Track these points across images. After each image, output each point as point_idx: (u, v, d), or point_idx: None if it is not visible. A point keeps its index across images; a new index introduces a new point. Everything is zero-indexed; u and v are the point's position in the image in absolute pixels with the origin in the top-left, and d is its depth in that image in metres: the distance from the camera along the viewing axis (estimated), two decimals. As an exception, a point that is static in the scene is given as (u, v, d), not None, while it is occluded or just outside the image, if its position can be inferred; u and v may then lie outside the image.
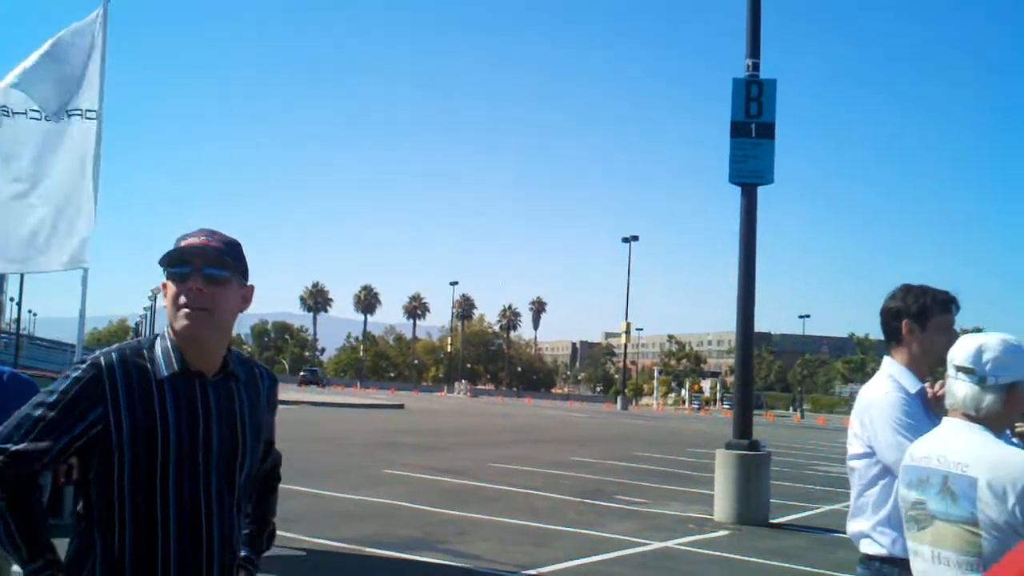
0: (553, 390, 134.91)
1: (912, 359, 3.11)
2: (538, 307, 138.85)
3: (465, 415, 37.90)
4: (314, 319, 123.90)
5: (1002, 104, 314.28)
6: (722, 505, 10.87)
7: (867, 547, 3.04)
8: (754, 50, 11.72)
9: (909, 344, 3.12)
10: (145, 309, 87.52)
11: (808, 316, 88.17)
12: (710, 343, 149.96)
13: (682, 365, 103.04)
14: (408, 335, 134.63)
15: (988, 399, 2.43)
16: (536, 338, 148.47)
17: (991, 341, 2.45)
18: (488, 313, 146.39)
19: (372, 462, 15.17)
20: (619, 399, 68.34)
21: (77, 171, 7.37)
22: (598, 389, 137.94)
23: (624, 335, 73.82)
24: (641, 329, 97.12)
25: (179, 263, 2.11)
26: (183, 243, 2.14)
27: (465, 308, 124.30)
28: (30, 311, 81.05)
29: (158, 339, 2.16)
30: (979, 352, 2.44)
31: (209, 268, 2.11)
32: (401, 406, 39.93)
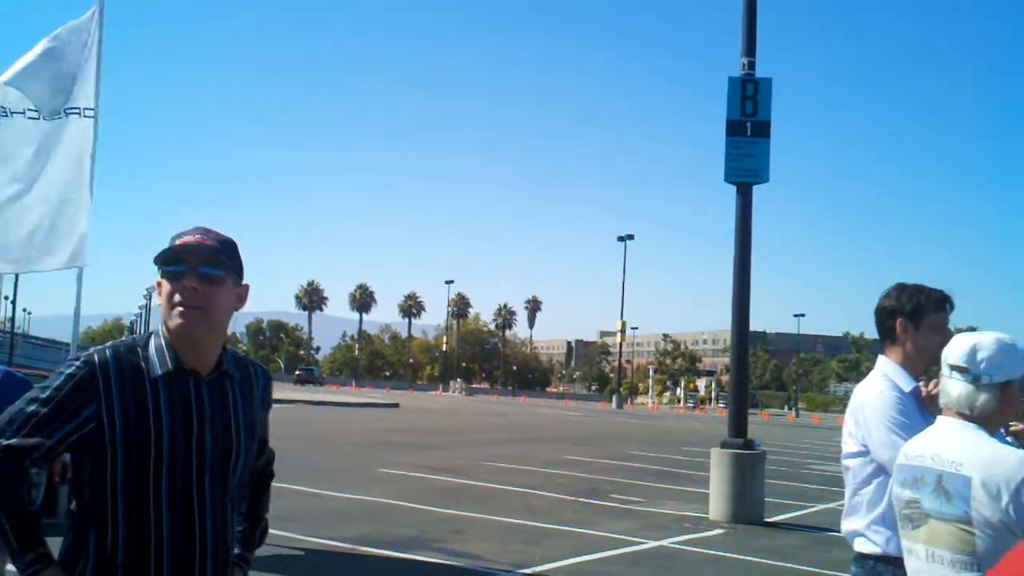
0: (548, 389, 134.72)
1: (906, 358, 3.12)
2: (533, 306, 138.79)
3: (460, 414, 37.85)
4: (309, 318, 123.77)
5: (1000, 104, 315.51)
6: (717, 504, 10.87)
7: (861, 546, 3.04)
8: (750, 49, 11.73)
9: (903, 343, 3.12)
10: (140, 308, 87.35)
11: (803, 315, 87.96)
12: (705, 342, 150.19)
13: (677, 364, 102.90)
14: (404, 334, 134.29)
15: (982, 398, 2.44)
16: (531, 337, 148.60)
17: (985, 340, 2.46)
18: (484, 312, 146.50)
19: (368, 461, 15.16)
20: (614, 398, 68.35)
21: (75, 170, 7.33)
22: (593, 388, 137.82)
23: (619, 334, 73.90)
24: (636, 328, 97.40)
25: (174, 261, 2.11)
26: (178, 241, 2.14)
27: (460, 307, 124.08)
28: (25, 309, 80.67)
29: (152, 337, 2.15)
30: (973, 351, 2.45)
31: (204, 267, 2.10)
32: (396, 405, 39.91)
